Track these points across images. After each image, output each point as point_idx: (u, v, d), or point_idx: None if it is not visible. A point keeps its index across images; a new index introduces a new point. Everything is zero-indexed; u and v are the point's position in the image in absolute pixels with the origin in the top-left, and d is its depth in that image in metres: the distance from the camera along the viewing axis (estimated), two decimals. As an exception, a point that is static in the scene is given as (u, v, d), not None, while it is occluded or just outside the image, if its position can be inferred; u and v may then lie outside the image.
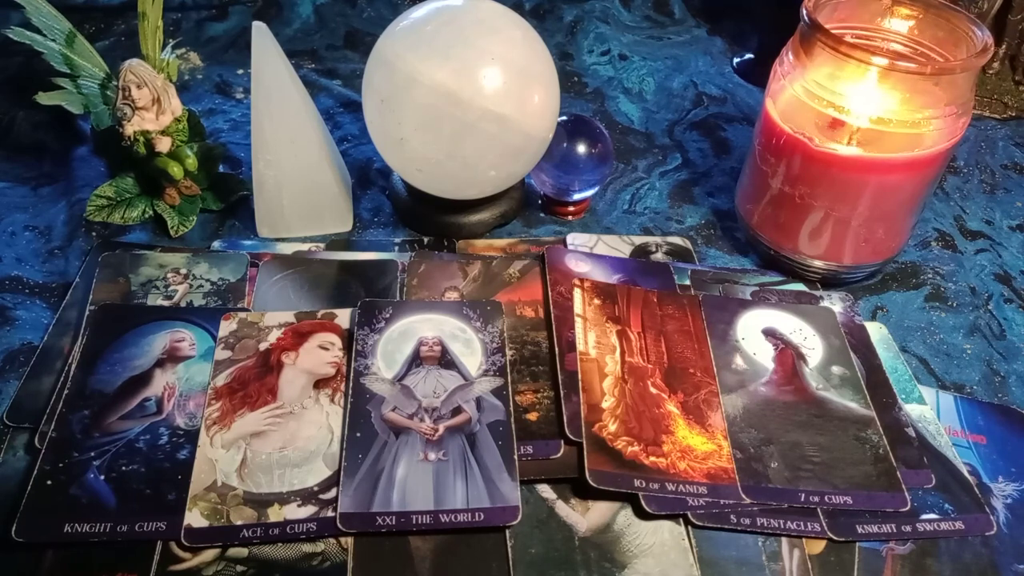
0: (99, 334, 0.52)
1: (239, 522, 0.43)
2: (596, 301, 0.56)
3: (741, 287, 0.60)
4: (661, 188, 0.71)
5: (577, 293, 0.56)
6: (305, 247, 0.61)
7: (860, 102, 0.52)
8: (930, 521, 0.46)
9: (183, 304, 0.55)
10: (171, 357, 0.51)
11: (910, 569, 0.45)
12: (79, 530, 0.42)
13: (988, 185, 0.74)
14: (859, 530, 0.45)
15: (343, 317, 0.54)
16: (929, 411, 0.52)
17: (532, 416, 0.49)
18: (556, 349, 0.52)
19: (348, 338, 0.53)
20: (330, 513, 0.44)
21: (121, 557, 0.42)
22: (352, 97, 0.79)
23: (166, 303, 0.55)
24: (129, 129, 0.59)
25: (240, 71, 0.82)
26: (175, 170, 0.60)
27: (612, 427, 0.48)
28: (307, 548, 0.43)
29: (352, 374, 0.50)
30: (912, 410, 0.52)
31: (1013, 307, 0.62)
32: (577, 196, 0.65)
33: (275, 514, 0.44)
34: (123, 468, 0.45)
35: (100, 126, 0.63)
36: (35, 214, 0.64)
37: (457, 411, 0.49)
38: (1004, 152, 0.78)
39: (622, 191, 0.70)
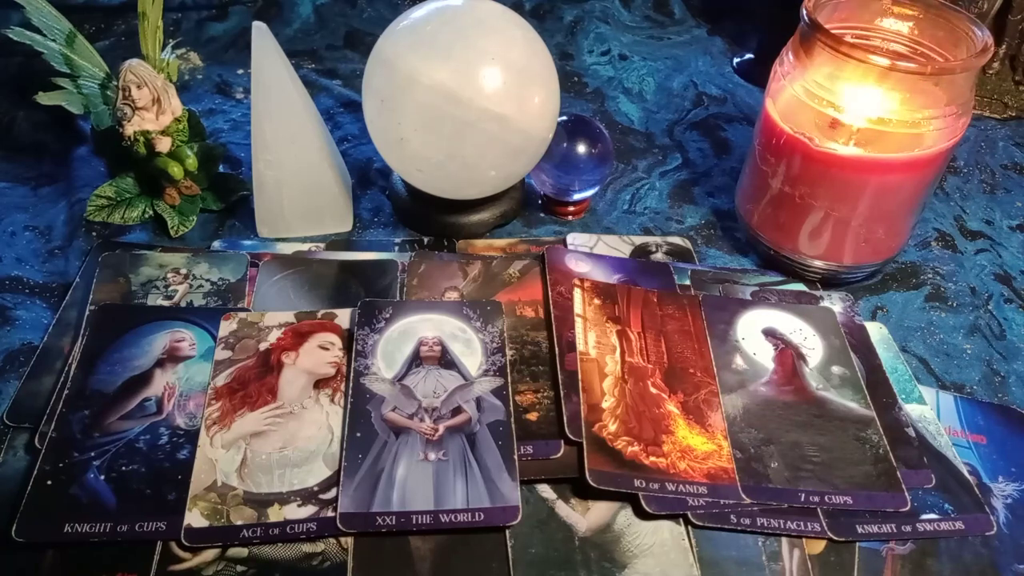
0: (99, 334, 0.52)
1: (239, 522, 0.43)
2: (596, 301, 0.56)
3: (741, 287, 0.60)
4: (661, 188, 0.71)
5: (577, 293, 0.56)
6: (305, 247, 0.61)
7: (860, 102, 0.52)
8: (930, 521, 0.46)
9: (183, 304, 0.55)
10: (171, 357, 0.51)
11: (910, 569, 0.45)
12: (79, 530, 0.42)
13: (988, 185, 0.74)
14: (859, 530, 0.45)
15: (343, 317, 0.54)
16: (929, 411, 0.52)
17: (532, 416, 0.49)
18: (556, 349, 0.52)
19: (348, 338, 0.53)
20: (330, 513, 0.44)
21: (121, 557, 0.42)
22: (352, 97, 0.79)
23: (166, 303, 0.55)
24: (129, 129, 0.59)
25: (240, 71, 0.82)
26: (175, 170, 0.60)
27: (612, 427, 0.48)
28: (307, 548, 0.43)
29: (352, 374, 0.50)
30: (912, 410, 0.52)
31: (1013, 307, 0.62)
32: (577, 196, 0.65)
33: (275, 514, 0.44)
34: (123, 468, 0.45)
35: (100, 126, 0.63)
36: (35, 214, 0.64)
37: (457, 411, 0.49)
38: (1004, 152, 0.78)
39: (622, 191, 0.70)
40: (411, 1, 0.88)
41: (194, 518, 0.43)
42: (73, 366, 0.50)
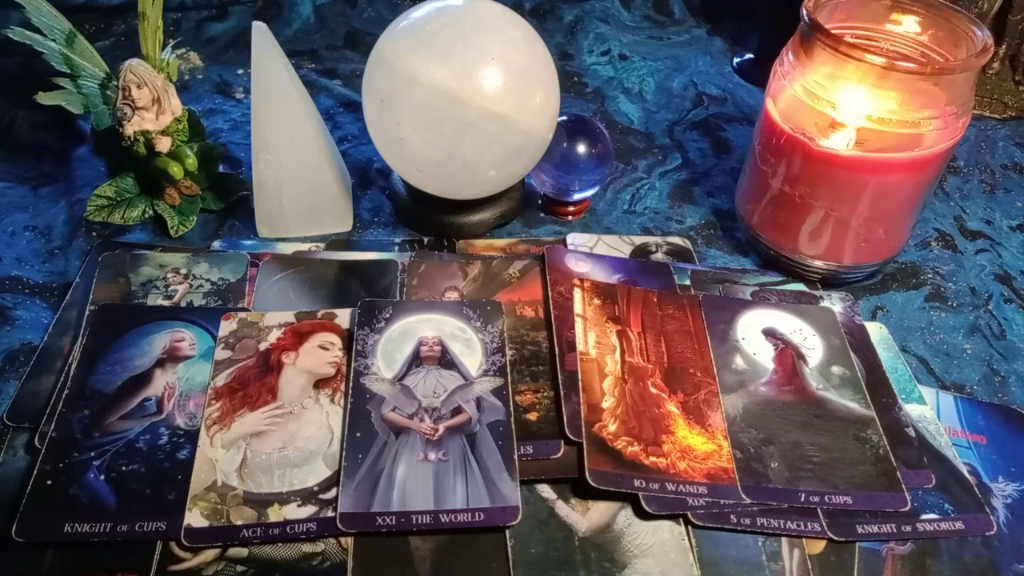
0: (99, 334, 0.52)
1: (239, 522, 0.43)
2: (596, 301, 0.56)
3: (741, 287, 0.60)
4: (661, 188, 0.71)
5: (577, 293, 0.56)
6: (305, 247, 0.61)
7: (860, 102, 0.52)
8: (930, 521, 0.46)
9: (183, 304, 0.55)
10: (171, 357, 0.51)
11: (910, 569, 0.45)
12: (79, 530, 0.42)
13: (988, 185, 0.74)
14: (859, 530, 0.45)
15: (343, 317, 0.54)
16: (929, 411, 0.52)
17: (532, 416, 0.49)
18: (556, 349, 0.52)
19: (348, 338, 0.53)
20: (330, 513, 0.44)
21: (121, 557, 0.42)
22: (352, 97, 0.79)
23: (166, 303, 0.55)
24: (129, 129, 0.59)
25: (240, 71, 0.82)
26: (175, 170, 0.60)
27: (612, 427, 0.48)
28: (307, 548, 0.43)
29: (352, 374, 0.50)
30: (912, 410, 0.52)
31: (1013, 307, 0.62)
32: (577, 196, 0.65)
33: (275, 514, 0.44)
34: (123, 468, 0.45)
35: (100, 126, 0.63)
36: (35, 214, 0.64)
37: (457, 411, 0.49)
38: (1004, 152, 0.78)
39: (622, 191, 0.70)
40: (411, 1, 0.88)
41: (194, 518, 0.43)
42: (73, 366, 0.50)
